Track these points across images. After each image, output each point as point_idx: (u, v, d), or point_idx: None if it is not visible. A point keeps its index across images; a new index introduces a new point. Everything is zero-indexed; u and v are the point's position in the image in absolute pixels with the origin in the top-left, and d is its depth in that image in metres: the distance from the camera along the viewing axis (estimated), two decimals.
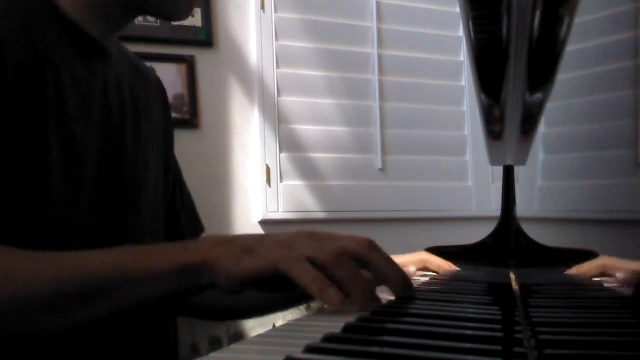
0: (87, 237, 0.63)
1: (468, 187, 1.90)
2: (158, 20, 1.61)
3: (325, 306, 0.48)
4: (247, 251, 0.51)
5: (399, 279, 0.52)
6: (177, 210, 0.86)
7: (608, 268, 0.71)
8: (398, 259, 0.74)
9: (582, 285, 0.68)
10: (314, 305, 1.62)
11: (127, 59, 0.77)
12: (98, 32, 0.67)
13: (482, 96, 0.75)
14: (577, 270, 0.73)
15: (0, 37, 0.56)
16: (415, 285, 0.65)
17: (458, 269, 0.80)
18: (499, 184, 0.88)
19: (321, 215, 1.71)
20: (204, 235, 0.90)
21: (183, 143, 1.65)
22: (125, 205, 0.69)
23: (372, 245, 0.53)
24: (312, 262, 0.49)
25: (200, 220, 0.92)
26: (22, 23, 0.60)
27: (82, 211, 0.62)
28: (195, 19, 1.64)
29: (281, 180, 1.69)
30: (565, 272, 0.75)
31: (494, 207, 1.84)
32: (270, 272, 0.50)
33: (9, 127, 0.56)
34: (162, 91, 0.86)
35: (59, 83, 0.61)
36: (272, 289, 0.53)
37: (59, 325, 0.50)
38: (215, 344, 1.53)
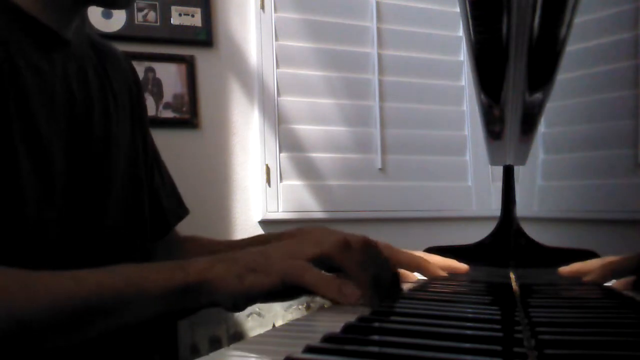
0: (63, 235, 0.62)
1: (468, 187, 1.90)
2: (158, 20, 1.61)
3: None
4: (251, 269, 0.50)
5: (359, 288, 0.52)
6: (157, 191, 0.83)
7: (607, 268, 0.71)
8: (398, 255, 0.73)
9: (582, 285, 0.68)
10: (314, 305, 1.62)
11: (90, 45, 0.75)
12: (53, 23, 0.65)
13: (482, 96, 0.75)
14: (574, 267, 0.73)
15: None
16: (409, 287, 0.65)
17: (463, 267, 0.78)
18: (499, 184, 0.88)
19: (321, 215, 1.71)
20: (214, 237, 0.88)
21: (183, 143, 1.65)
22: (98, 199, 0.68)
23: (367, 243, 0.54)
24: (318, 259, 0.51)
25: (183, 203, 0.89)
26: None
27: (56, 209, 0.61)
28: (195, 19, 1.65)
29: (281, 180, 1.69)
30: (562, 272, 0.75)
31: (494, 207, 1.84)
32: (280, 286, 0.50)
33: None
34: (132, 70, 0.83)
35: (19, 78, 0.59)
36: (279, 299, 0.53)
37: (54, 344, 0.49)
38: (215, 344, 1.53)
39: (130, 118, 0.78)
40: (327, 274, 0.51)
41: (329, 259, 0.52)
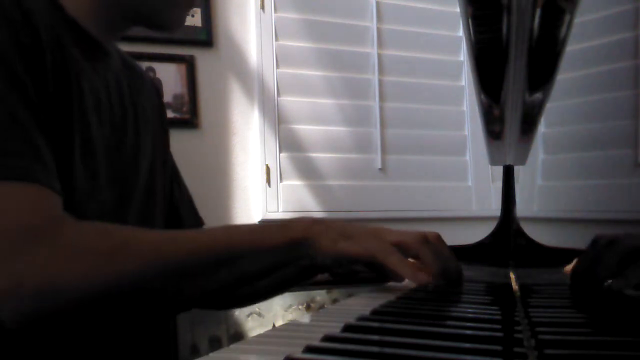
0: None
1: (468, 187, 1.90)
2: None
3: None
4: (345, 236, 0.59)
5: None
6: (176, 204, 0.88)
7: None
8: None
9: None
10: (314, 305, 1.62)
11: (121, 58, 0.79)
12: (99, 35, 0.69)
13: (482, 96, 0.75)
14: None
15: (38, 34, 0.58)
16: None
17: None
18: (499, 184, 0.88)
19: (321, 215, 1.71)
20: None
21: (183, 143, 1.65)
22: (124, 204, 0.71)
23: (439, 239, 0.64)
24: (398, 245, 0.59)
25: (199, 215, 0.94)
26: (46, 20, 0.61)
27: (96, 204, 0.64)
28: (195, 19, 1.65)
29: (281, 180, 1.69)
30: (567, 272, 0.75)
31: (494, 207, 1.84)
32: (366, 259, 0.59)
33: (48, 121, 0.57)
34: (155, 88, 0.88)
35: (79, 79, 0.63)
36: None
37: (193, 290, 0.58)
38: (215, 344, 1.53)
39: (152, 134, 0.81)
40: (409, 259, 0.59)
41: (407, 248, 0.59)
